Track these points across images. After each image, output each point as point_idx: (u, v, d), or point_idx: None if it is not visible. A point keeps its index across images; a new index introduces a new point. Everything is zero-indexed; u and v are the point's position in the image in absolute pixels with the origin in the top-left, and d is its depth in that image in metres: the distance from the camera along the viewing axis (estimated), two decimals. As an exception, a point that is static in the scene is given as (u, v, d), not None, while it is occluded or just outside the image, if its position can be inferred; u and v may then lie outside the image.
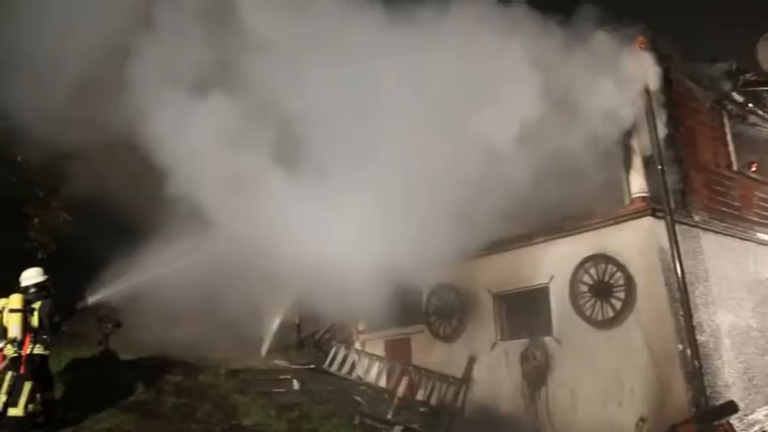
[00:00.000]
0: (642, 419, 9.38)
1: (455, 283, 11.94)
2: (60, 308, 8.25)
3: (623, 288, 10.05)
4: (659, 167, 10.16)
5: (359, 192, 8.41)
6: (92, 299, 9.15)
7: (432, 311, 12.39)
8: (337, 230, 8.41)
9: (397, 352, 12.79)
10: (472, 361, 11.77)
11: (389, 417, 10.63)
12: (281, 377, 11.50)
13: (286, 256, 8.38)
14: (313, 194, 8.61)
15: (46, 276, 8.27)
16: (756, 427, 7.66)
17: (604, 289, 10.22)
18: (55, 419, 8.04)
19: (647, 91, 10.52)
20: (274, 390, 10.78)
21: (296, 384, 11.28)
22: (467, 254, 10.31)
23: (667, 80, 11.36)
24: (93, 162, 9.94)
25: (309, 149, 8.76)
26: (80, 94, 8.77)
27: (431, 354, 12.32)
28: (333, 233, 8.40)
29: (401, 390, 11.41)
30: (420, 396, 11.79)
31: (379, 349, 13.01)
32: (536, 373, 10.89)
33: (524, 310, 11.44)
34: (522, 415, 10.97)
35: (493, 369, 11.58)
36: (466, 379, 11.71)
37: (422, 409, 11.48)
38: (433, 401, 11.70)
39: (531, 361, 10.93)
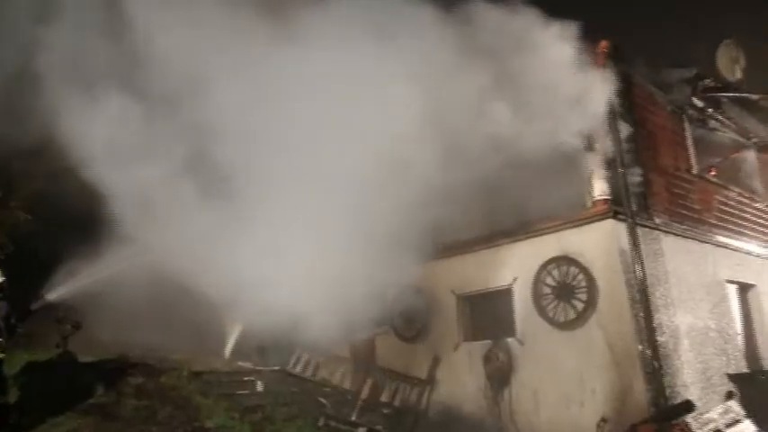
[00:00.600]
0: (603, 420, 9.42)
1: (419, 285, 11.95)
2: (16, 309, 8.07)
3: (585, 289, 10.13)
4: (621, 170, 10.30)
5: (297, 204, 8.14)
6: (49, 299, 8.95)
7: (396, 313, 12.39)
8: (275, 249, 8.16)
9: (362, 353, 12.74)
10: (436, 362, 11.79)
11: (354, 418, 10.62)
12: (245, 379, 11.42)
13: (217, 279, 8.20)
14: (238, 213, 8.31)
15: (2, 278, 8.08)
16: (711, 426, 7.75)
17: (567, 290, 10.30)
18: (9, 425, 7.86)
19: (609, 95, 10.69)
20: (238, 392, 10.72)
21: (259, 386, 11.20)
22: (430, 256, 10.33)
23: (629, 84, 11.53)
24: (50, 158, 9.68)
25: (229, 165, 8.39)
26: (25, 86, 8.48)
27: (395, 355, 12.31)
28: (270, 253, 8.14)
29: (365, 391, 11.40)
30: (384, 398, 11.76)
31: (343, 350, 12.95)
32: (499, 374, 10.92)
33: (488, 312, 11.50)
34: (486, 416, 11.00)
35: (456, 370, 11.61)
36: (430, 380, 11.72)
37: (386, 411, 11.45)
38: (397, 403, 11.67)
39: (494, 362, 10.96)
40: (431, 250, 10.27)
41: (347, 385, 12.25)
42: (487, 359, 11.06)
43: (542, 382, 10.50)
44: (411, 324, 12.25)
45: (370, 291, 8.66)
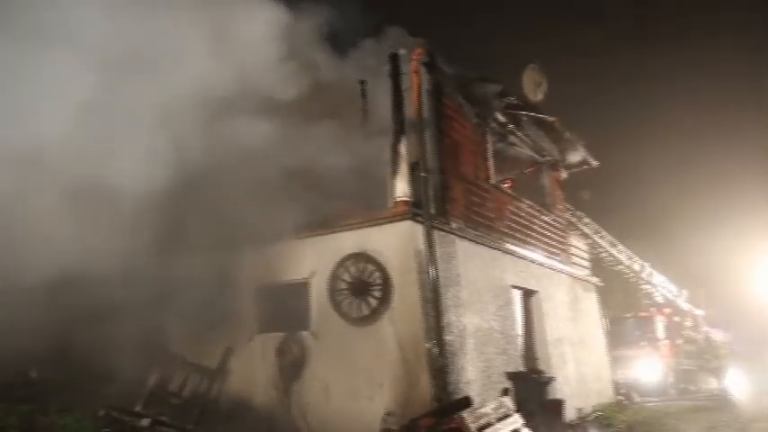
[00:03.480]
0: (388, 413, 9.65)
1: (216, 274, 11.67)
2: None
3: (380, 287, 10.34)
4: (423, 175, 10.62)
5: None
6: None
7: (190, 300, 11.97)
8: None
9: (151, 341, 12.16)
10: (229, 352, 11.58)
11: (138, 409, 10.14)
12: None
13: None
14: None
15: None
16: (484, 419, 8.21)
17: (362, 287, 10.46)
18: None
19: (418, 100, 11.03)
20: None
21: (33, 373, 10.39)
22: (227, 245, 10.15)
23: (439, 93, 11.97)
24: None
25: None
26: None
27: (188, 344, 11.86)
28: None
29: (152, 381, 10.93)
30: (173, 387, 11.39)
31: (133, 337, 12.31)
32: (291, 367, 10.93)
33: (284, 304, 11.41)
34: (276, 408, 10.93)
35: (250, 361, 11.48)
36: (221, 370, 11.48)
37: (174, 401, 11.09)
38: (186, 393, 11.33)
39: (287, 354, 10.96)
40: (227, 240, 10.09)
41: (134, 374, 11.65)
42: (281, 351, 11.04)
43: (334, 375, 10.62)
44: (205, 313, 11.86)
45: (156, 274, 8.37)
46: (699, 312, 28.77)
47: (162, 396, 11.15)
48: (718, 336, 30.19)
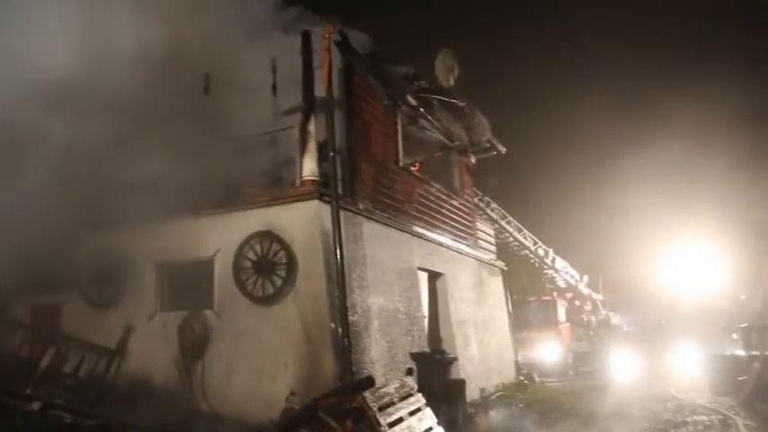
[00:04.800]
0: (292, 393, 9.60)
1: (116, 249, 11.33)
2: None
3: (285, 266, 10.25)
4: (332, 154, 10.54)
5: None
6: None
7: (87, 277, 11.59)
8: None
9: (45, 319, 11.76)
10: (128, 331, 11.24)
11: (29, 391, 9.70)
12: None
13: None
14: None
15: None
16: (386, 399, 8.25)
17: (267, 266, 10.34)
18: None
19: (329, 79, 10.94)
20: None
21: None
22: (128, 221, 9.85)
23: (351, 73, 11.92)
24: None
25: None
26: None
27: (84, 322, 11.53)
28: None
29: (45, 361, 10.49)
30: (68, 368, 10.96)
31: (24, 315, 11.84)
32: (193, 346, 10.71)
33: (187, 282, 11.20)
34: (177, 388, 10.69)
35: (150, 340, 11.17)
36: (120, 350, 11.15)
37: (69, 382, 10.68)
38: (81, 374, 10.94)
39: (190, 333, 10.74)
40: (128, 215, 9.79)
41: (24, 354, 11.16)
42: (182, 330, 10.80)
43: (237, 355, 10.48)
44: (104, 290, 11.58)
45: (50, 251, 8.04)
46: (597, 297, 29.97)
47: (56, 378, 10.70)
48: (614, 319, 31.56)
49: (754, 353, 18.03)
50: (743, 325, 20.09)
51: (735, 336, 21.01)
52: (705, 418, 12.08)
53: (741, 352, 19.28)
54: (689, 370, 20.50)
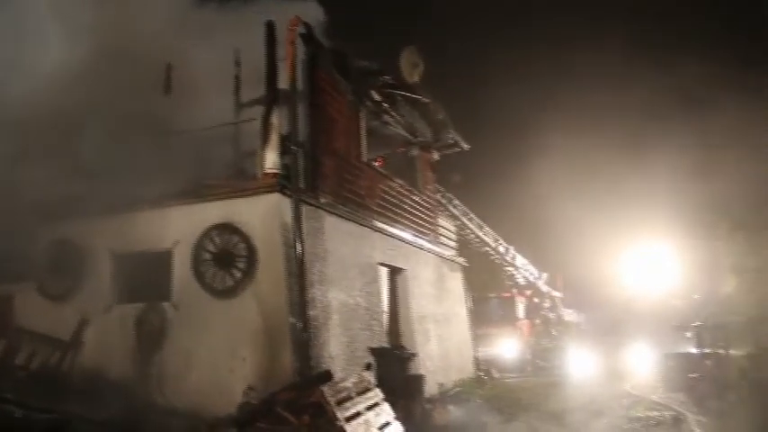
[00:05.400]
0: (250, 387, 9.54)
1: (73, 239, 11.13)
2: None
3: (245, 259, 10.17)
4: (294, 148, 10.50)
5: None
6: None
7: (43, 268, 11.37)
8: None
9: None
10: (84, 323, 11.03)
11: (-25, 385, 9.48)
12: None
13: None
14: None
15: None
16: (344, 393, 8.26)
17: (227, 259, 10.25)
18: None
19: (292, 72, 10.89)
20: None
21: None
22: (86, 210, 9.68)
23: (315, 66, 11.86)
24: None
25: None
26: None
27: (38, 314, 11.30)
28: None
29: (-5, 354, 10.28)
30: (20, 361, 10.74)
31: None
32: (150, 339, 10.58)
33: (145, 274, 10.98)
34: (134, 381, 10.53)
35: (106, 332, 10.99)
36: (75, 342, 10.94)
37: (20, 375, 10.46)
38: (34, 366, 10.73)
39: (147, 326, 10.61)
40: (86, 205, 9.63)
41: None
42: (140, 322, 10.68)
43: (195, 348, 10.36)
44: (59, 281, 11.36)
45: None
46: (557, 294, 30.38)
47: (6, 370, 10.47)
48: (572, 317, 32.05)
49: (707, 351, 18.51)
50: (696, 324, 20.61)
51: (688, 334, 21.56)
52: (658, 413, 12.33)
53: (694, 350, 19.78)
54: (644, 367, 20.96)
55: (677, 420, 11.27)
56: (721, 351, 17.54)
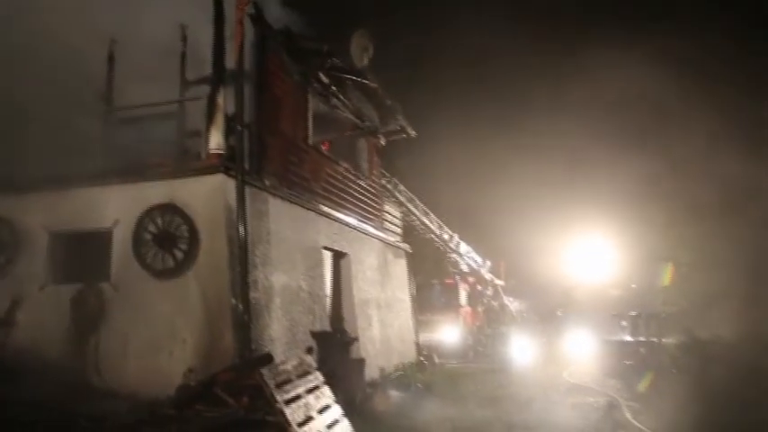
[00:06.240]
0: (190, 370, 9.42)
1: (7, 217, 10.79)
2: None
3: (187, 240, 10.02)
4: (239, 128, 10.30)
5: None
6: None
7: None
8: None
9: None
10: (16, 303, 10.71)
11: None
12: None
13: None
14: None
15: None
16: (283, 376, 8.23)
17: (168, 239, 10.08)
18: None
19: (240, 51, 10.71)
20: None
21: None
22: (19, 186, 9.38)
23: (263, 46, 11.72)
24: None
25: None
26: None
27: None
28: None
29: None
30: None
31: None
32: (87, 320, 10.32)
33: (83, 253, 10.75)
34: (69, 363, 10.28)
35: (41, 313, 10.66)
36: (6, 322, 10.62)
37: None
38: (-39, 346, 10.41)
39: (84, 306, 10.34)
40: (19, 180, 9.34)
41: None
42: (76, 303, 10.40)
43: (134, 330, 10.17)
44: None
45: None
46: (499, 282, 30.82)
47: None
48: (513, 305, 32.59)
49: (641, 339, 19.15)
50: (632, 313, 21.29)
51: (624, 323, 22.28)
52: (593, 399, 12.66)
53: (629, 338, 20.44)
54: (582, 354, 21.50)
55: (611, 406, 11.58)
56: (654, 339, 18.18)
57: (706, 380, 11.31)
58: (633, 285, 27.70)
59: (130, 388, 9.60)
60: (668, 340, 17.07)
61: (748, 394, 9.51)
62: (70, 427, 7.87)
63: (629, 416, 10.37)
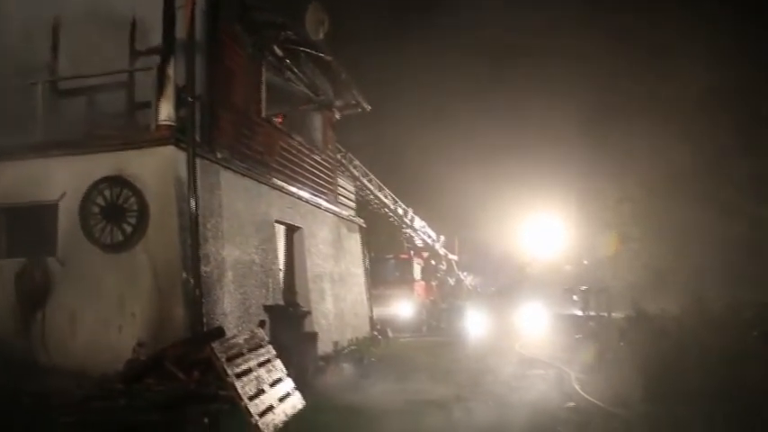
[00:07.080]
0: (139, 344, 9.32)
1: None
2: None
3: (136, 213, 9.84)
4: (190, 100, 10.07)
5: None
6: None
7: None
8: None
9: None
10: (-43, 278, 10.45)
11: None
12: None
13: None
14: None
15: None
16: (235, 349, 8.18)
17: (117, 213, 9.88)
18: None
19: (191, 21, 10.45)
20: None
21: None
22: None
23: (215, 16, 11.48)
24: None
25: None
26: None
27: None
28: None
29: None
30: None
31: None
32: (33, 295, 10.10)
33: (27, 227, 10.51)
34: (14, 340, 10.06)
35: (-17, 289, 10.43)
36: (-54, 298, 10.35)
37: None
38: None
39: (29, 282, 10.10)
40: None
41: None
42: (20, 278, 10.16)
43: (82, 304, 10.00)
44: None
45: None
46: (453, 257, 31.09)
47: None
48: (468, 280, 32.95)
49: (591, 313, 19.57)
50: (582, 288, 21.72)
51: (575, 297, 22.75)
52: (543, 371, 12.90)
53: (580, 312, 20.87)
54: (535, 328, 21.90)
55: (560, 378, 11.81)
56: (604, 314, 18.60)
57: (651, 352, 11.58)
58: (585, 261, 28.30)
59: (78, 364, 9.43)
60: (617, 314, 17.46)
61: (687, 365, 9.79)
62: (14, 405, 7.70)
63: (577, 387, 10.58)
